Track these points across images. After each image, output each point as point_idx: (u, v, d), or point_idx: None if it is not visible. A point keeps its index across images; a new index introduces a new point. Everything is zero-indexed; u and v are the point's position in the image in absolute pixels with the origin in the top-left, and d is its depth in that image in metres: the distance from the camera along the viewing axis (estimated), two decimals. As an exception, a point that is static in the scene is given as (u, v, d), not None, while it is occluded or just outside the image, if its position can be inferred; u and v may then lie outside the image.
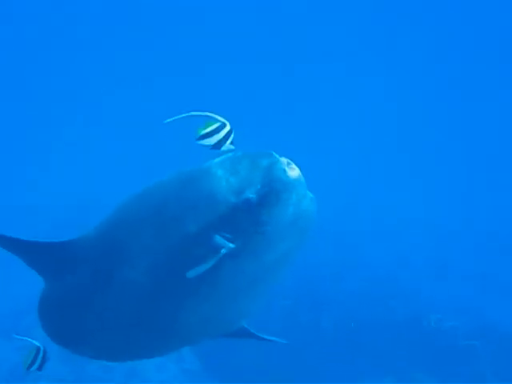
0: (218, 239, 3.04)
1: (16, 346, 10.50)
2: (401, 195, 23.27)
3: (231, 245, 3.04)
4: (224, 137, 3.17)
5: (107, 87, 32.18)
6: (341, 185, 21.44)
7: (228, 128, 3.17)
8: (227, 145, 3.18)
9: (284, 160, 3.13)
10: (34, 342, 4.11)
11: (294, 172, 3.12)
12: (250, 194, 3.04)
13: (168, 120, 3.07)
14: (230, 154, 3.17)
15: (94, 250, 3.27)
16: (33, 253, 3.36)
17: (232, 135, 3.19)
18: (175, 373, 10.51)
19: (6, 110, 30.35)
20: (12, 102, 31.52)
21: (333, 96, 33.95)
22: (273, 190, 3.06)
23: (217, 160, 3.16)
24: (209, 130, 3.15)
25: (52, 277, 3.46)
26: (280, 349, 9.03)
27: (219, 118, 3.15)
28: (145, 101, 31.25)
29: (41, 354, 4.03)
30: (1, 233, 3.28)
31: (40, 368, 4.03)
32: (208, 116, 3.12)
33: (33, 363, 4.02)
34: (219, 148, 3.18)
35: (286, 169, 3.10)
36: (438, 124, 34.74)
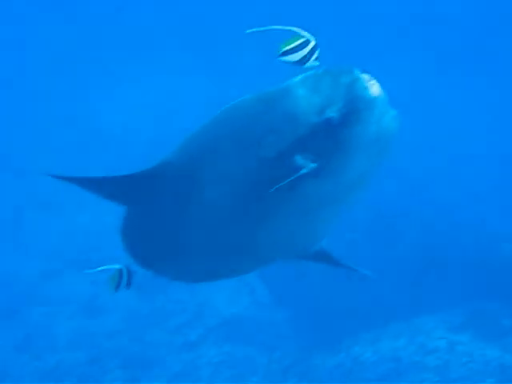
0: (299, 159, 3.03)
1: (90, 279, 10.42)
2: (465, 128, 22.72)
3: (312, 164, 3.02)
4: (309, 53, 3.07)
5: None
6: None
7: (313, 44, 3.07)
8: (311, 61, 3.09)
9: (366, 76, 3.05)
10: (114, 266, 4.12)
11: (375, 89, 3.04)
12: (332, 113, 2.99)
13: (249, 31, 3.00)
14: (310, 72, 3.11)
15: (174, 173, 3.30)
16: (113, 187, 3.40)
17: (317, 51, 3.09)
18: (246, 305, 10.70)
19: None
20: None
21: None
22: (354, 108, 3.00)
23: (297, 78, 3.10)
24: (293, 45, 3.06)
25: (133, 204, 3.53)
26: (349, 281, 9.09)
27: (304, 33, 3.05)
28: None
29: (125, 272, 4.04)
30: (82, 175, 3.32)
31: (128, 286, 4.05)
32: (292, 31, 3.03)
33: (120, 282, 4.02)
34: (303, 65, 3.09)
35: (368, 85, 3.02)
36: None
